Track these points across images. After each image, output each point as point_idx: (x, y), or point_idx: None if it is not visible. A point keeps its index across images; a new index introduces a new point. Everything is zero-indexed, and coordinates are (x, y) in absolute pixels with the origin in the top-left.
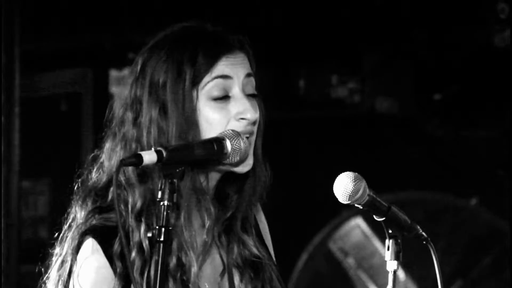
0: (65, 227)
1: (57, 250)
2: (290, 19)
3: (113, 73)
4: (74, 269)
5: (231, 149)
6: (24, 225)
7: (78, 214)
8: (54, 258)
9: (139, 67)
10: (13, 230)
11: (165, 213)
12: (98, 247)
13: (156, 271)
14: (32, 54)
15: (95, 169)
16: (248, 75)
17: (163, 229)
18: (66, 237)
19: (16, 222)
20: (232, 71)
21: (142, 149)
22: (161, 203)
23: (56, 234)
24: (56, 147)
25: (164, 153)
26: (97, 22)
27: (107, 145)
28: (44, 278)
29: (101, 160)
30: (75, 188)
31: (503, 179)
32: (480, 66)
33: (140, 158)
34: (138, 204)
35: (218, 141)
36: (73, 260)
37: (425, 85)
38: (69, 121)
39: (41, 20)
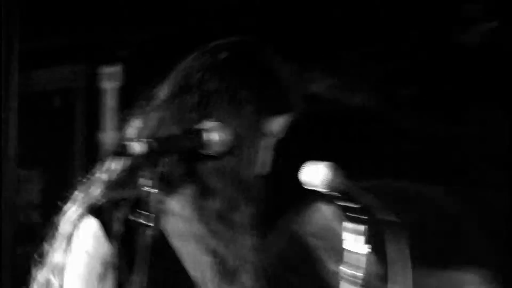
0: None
1: (61, 224)
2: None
3: (105, 70)
4: (74, 245)
5: (211, 140)
6: (19, 210)
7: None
8: (57, 234)
9: (223, 55)
10: (9, 214)
11: (149, 200)
12: (98, 225)
13: (140, 255)
14: (25, 51)
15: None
16: None
17: (148, 215)
18: (72, 216)
19: (12, 207)
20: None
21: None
22: (148, 190)
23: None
24: (49, 140)
25: (153, 144)
26: (89, 20)
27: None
28: (44, 254)
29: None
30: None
31: (486, 174)
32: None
33: (129, 148)
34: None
35: (200, 132)
36: (74, 236)
37: (398, 80)
38: (62, 116)
39: (33, 19)
